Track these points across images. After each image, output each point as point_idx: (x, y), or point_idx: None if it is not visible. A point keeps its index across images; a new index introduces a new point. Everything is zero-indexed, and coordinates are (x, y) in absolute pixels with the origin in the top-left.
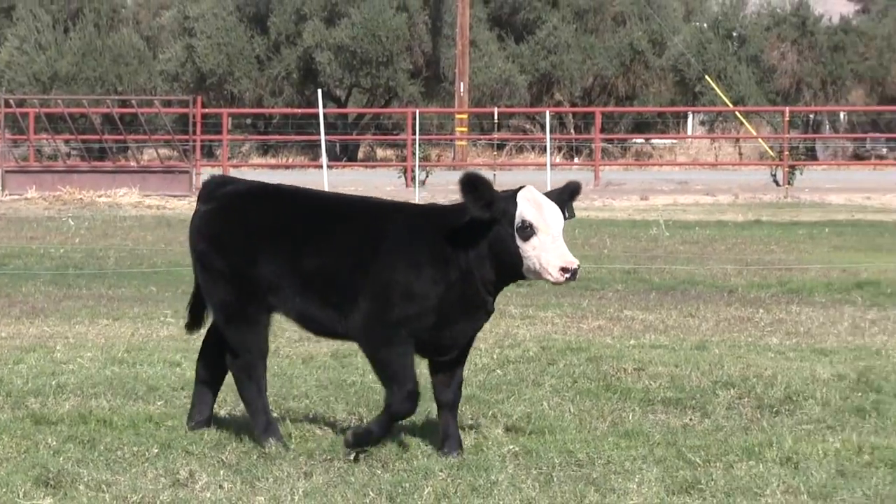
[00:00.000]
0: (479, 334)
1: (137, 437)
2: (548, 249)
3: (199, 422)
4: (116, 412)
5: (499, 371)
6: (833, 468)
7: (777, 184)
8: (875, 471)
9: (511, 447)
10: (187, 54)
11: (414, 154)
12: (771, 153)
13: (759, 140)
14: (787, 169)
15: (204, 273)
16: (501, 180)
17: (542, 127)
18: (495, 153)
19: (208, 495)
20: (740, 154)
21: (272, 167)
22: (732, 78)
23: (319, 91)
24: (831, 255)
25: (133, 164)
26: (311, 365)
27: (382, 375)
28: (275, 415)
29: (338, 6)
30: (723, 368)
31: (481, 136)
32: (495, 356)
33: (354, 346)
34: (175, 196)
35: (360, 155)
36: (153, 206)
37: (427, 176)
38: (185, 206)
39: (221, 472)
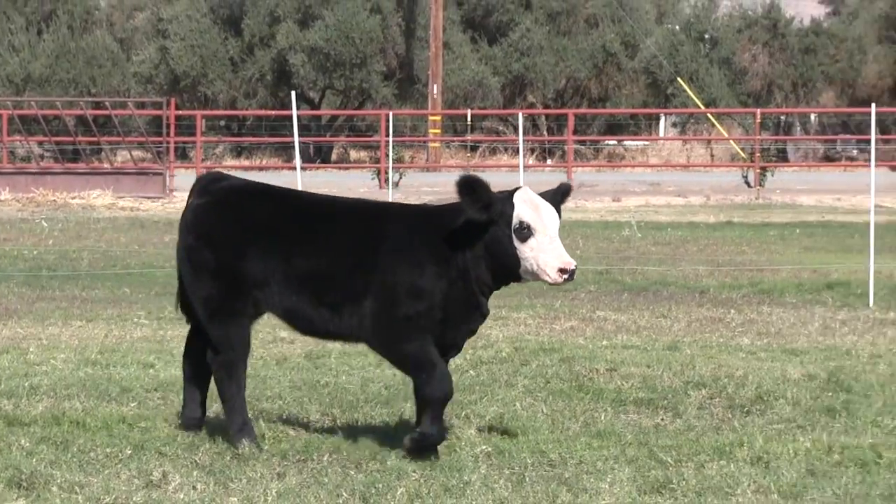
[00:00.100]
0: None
1: (111, 438)
2: (545, 250)
3: (190, 419)
4: (90, 413)
5: (472, 372)
6: (803, 467)
7: (748, 185)
8: (845, 470)
9: (484, 447)
10: (161, 56)
11: (387, 156)
12: (742, 155)
13: (731, 142)
14: (758, 170)
15: (191, 268)
16: None
17: (515, 129)
18: (468, 155)
19: (181, 496)
20: (712, 156)
21: (246, 169)
22: (704, 80)
23: (293, 93)
24: (802, 255)
25: (107, 165)
26: (284, 366)
27: (406, 370)
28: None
29: (311, 8)
30: (694, 369)
31: (454, 138)
32: (468, 357)
33: (329, 346)
34: (149, 198)
35: (334, 156)
36: (127, 208)
37: (401, 178)
38: (159, 207)
39: (195, 473)
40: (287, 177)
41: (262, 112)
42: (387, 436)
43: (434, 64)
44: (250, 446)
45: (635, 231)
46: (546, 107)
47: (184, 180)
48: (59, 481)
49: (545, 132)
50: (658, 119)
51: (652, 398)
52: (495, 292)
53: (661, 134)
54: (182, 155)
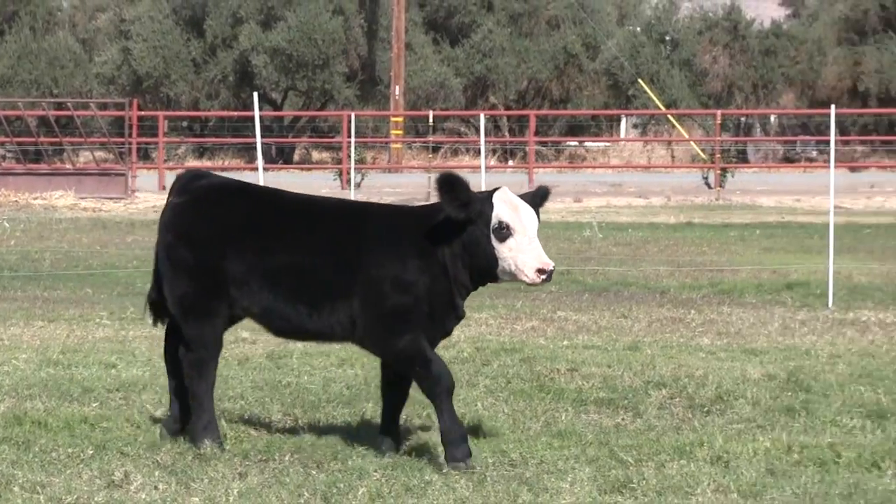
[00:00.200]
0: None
1: (72, 438)
2: (524, 251)
3: (175, 418)
4: (51, 414)
5: None
6: (763, 467)
7: (709, 186)
8: (804, 469)
9: None
10: (123, 57)
11: (349, 157)
12: (703, 156)
13: (691, 143)
14: (718, 171)
15: (169, 265)
16: None
17: (477, 130)
18: (430, 156)
19: (143, 496)
20: (672, 157)
21: (208, 170)
22: (665, 81)
23: (255, 94)
24: (762, 256)
25: (68, 166)
26: (246, 366)
27: (403, 366)
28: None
29: (274, 10)
30: (655, 369)
31: (416, 139)
32: None
33: (291, 346)
34: (111, 198)
35: (296, 157)
36: (89, 209)
37: (362, 178)
38: (121, 208)
39: (156, 472)
40: (249, 178)
41: (225, 113)
42: (348, 436)
43: (396, 65)
44: (212, 446)
45: (596, 232)
46: (508, 108)
47: (146, 181)
48: (20, 481)
49: (507, 133)
50: (619, 120)
51: (612, 398)
52: None
53: (623, 135)
54: (144, 156)
